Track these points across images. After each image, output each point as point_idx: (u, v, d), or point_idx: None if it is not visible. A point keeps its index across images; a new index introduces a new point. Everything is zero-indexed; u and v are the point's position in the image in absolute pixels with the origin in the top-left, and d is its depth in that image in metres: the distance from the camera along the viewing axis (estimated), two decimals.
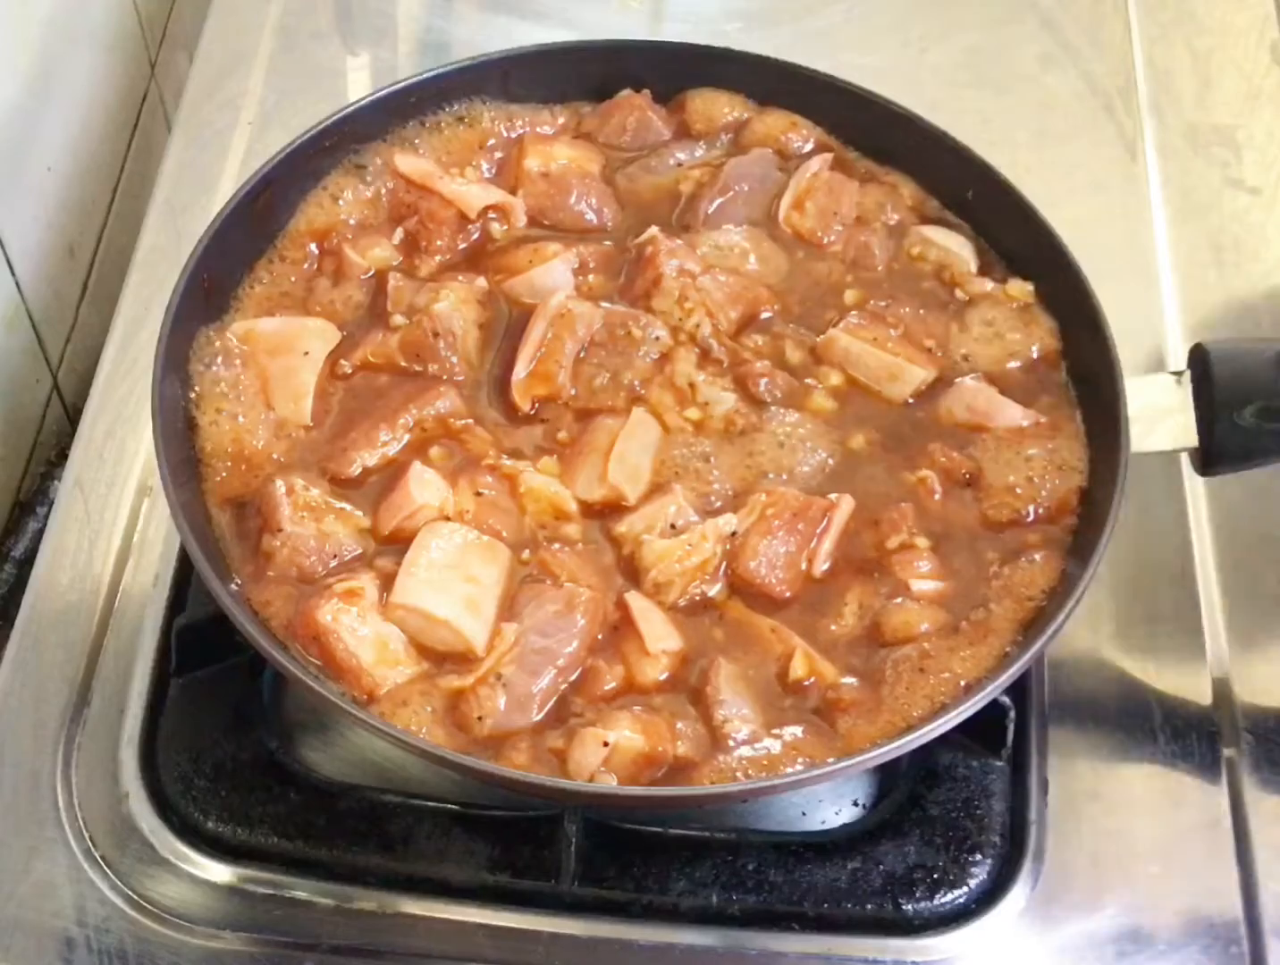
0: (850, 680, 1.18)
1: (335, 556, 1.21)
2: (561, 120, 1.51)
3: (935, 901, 1.23)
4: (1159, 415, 1.28)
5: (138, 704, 1.32)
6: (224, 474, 1.26)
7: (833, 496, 1.26)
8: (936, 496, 1.27)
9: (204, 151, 1.76)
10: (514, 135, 1.48)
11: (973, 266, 1.41)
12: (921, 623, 1.20)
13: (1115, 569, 1.42)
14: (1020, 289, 1.38)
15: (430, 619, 1.16)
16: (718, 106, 1.51)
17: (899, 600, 1.21)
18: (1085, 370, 1.33)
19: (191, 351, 1.30)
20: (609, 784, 1.11)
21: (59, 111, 1.76)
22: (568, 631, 1.18)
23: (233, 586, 1.19)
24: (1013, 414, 1.31)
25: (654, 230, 1.40)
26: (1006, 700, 1.25)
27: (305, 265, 1.39)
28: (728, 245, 1.41)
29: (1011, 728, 1.27)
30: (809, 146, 1.49)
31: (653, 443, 1.28)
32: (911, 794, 1.28)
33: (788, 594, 1.22)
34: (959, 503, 1.28)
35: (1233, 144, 1.81)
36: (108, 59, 1.88)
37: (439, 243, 1.41)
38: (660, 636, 1.18)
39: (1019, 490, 1.27)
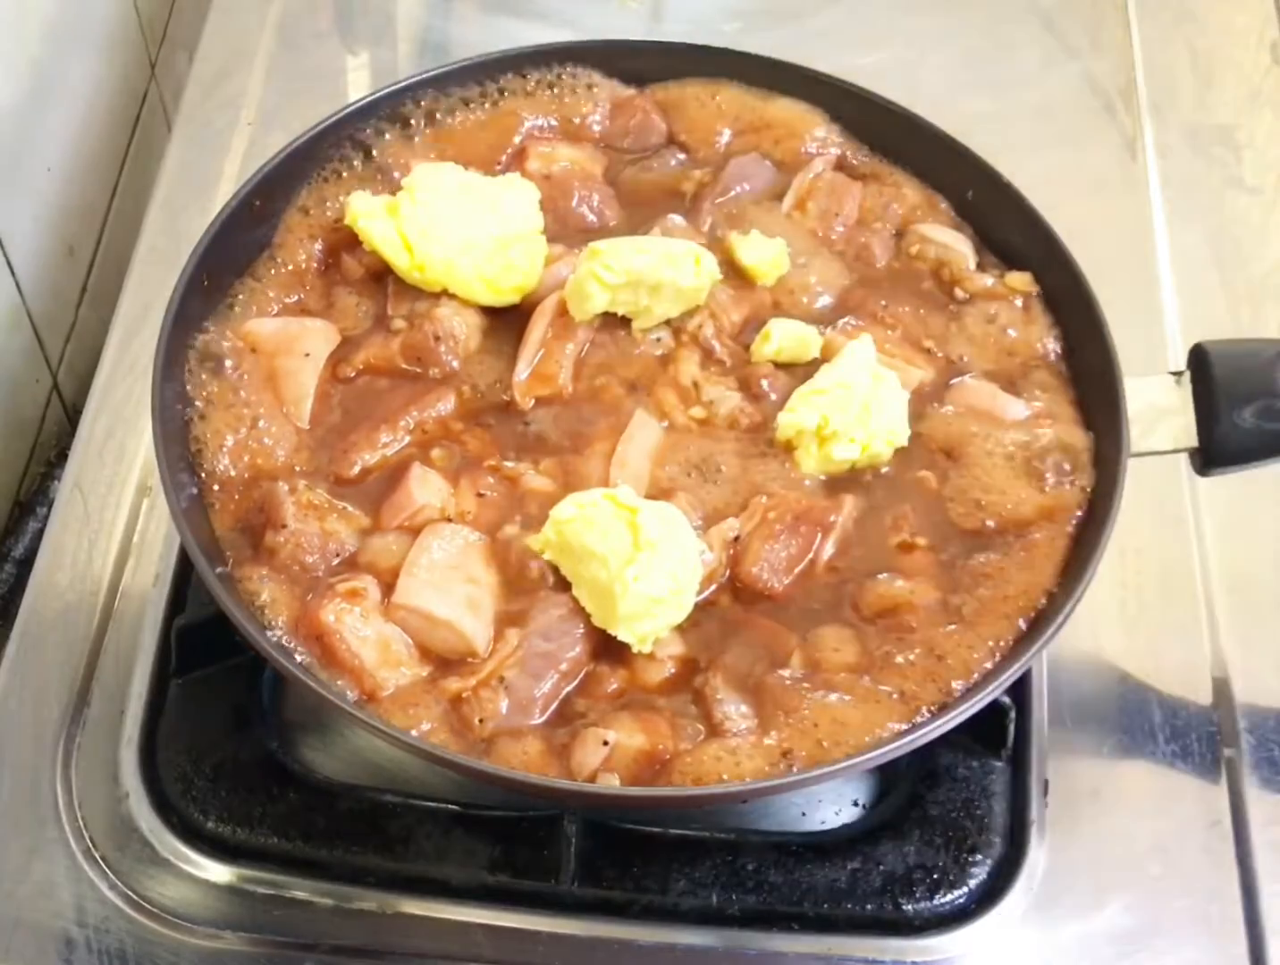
0: (849, 677, 1.18)
1: (337, 555, 1.21)
2: (561, 120, 1.50)
3: (935, 901, 1.23)
4: (1159, 415, 1.28)
5: (138, 704, 1.33)
6: (237, 497, 1.25)
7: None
8: (935, 491, 1.27)
9: (204, 151, 1.76)
10: (515, 135, 1.48)
11: (971, 263, 1.41)
12: (909, 599, 1.20)
13: (1115, 569, 1.42)
14: (1021, 280, 1.39)
15: (431, 619, 1.16)
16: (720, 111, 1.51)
17: (884, 576, 1.22)
18: (1085, 370, 1.33)
19: (191, 352, 1.30)
20: (610, 784, 1.11)
21: (59, 111, 1.76)
22: (571, 635, 1.18)
23: (219, 569, 1.19)
24: (1015, 411, 1.31)
25: (655, 231, 1.40)
26: (1006, 700, 1.25)
27: (306, 267, 1.39)
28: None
29: (1011, 728, 1.27)
30: (832, 152, 1.48)
31: (654, 444, 1.28)
32: (911, 794, 1.28)
33: (789, 595, 1.22)
34: (957, 502, 1.28)
35: (1233, 144, 1.81)
36: (108, 59, 1.88)
37: None
38: (663, 641, 1.18)
39: (1017, 489, 1.27)
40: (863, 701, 1.15)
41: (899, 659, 1.17)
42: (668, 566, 1.15)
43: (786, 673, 1.17)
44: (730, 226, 1.42)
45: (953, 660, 1.17)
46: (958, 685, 1.16)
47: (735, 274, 1.38)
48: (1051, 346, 1.36)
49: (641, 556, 1.14)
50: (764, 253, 1.37)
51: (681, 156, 1.49)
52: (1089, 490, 1.26)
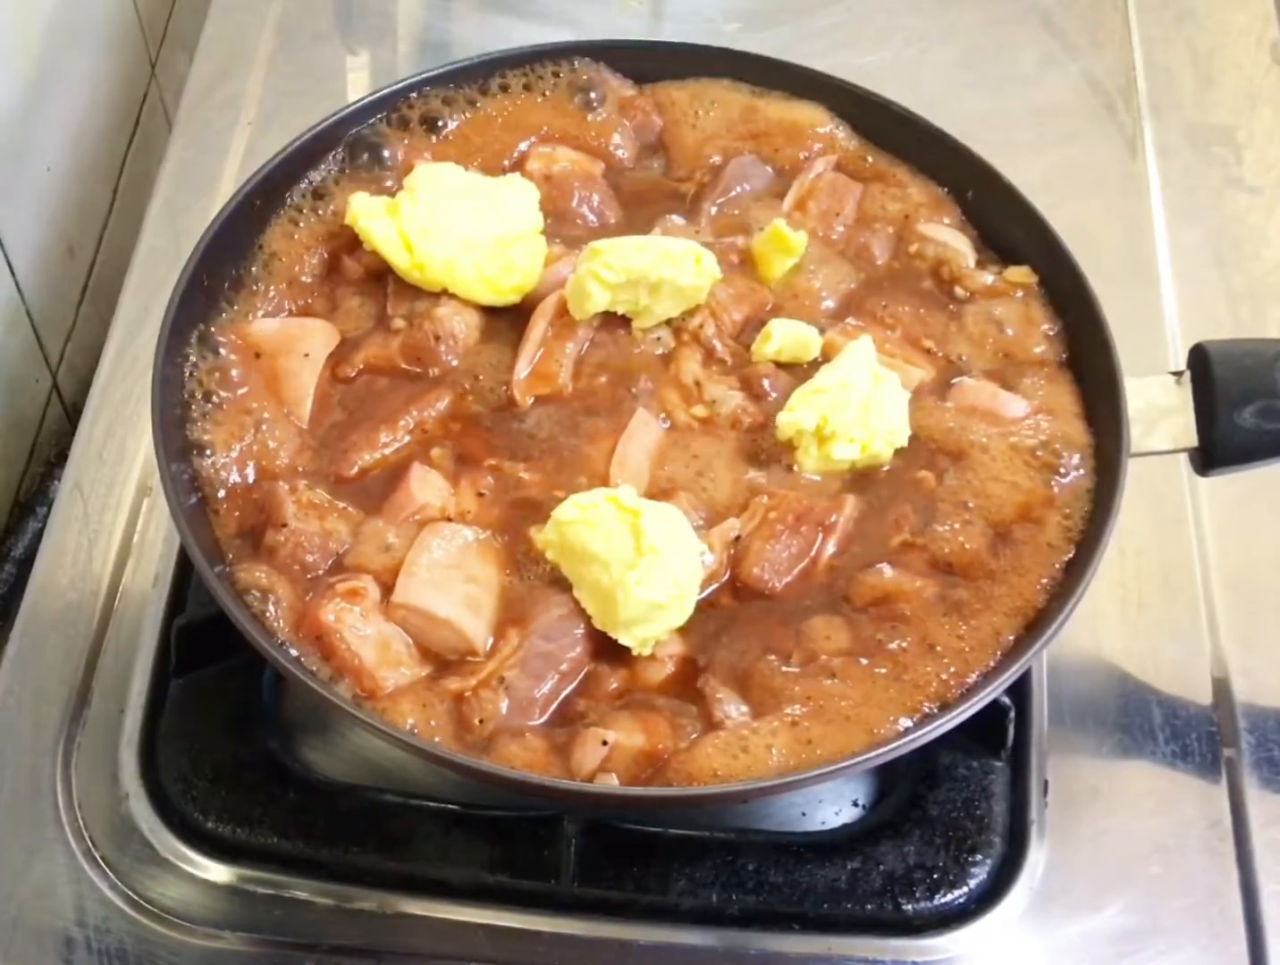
0: (845, 661, 1.17)
1: (337, 554, 1.21)
2: (564, 120, 1.50)
3: (935, 901, 1.23)
4: (1159, 415, 1.28)
5: (138, 704, 1.33)
6: (238, 496, 1.24)
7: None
8: (935, 491, 1.27)
9: (204, 151, 1.76)
10: (519, 136, 1.48)
11: (970, 261, 1.41)
12: (900, 587, 1.20)
13: (1115, 569, 1.42)
14: (1020, 273, 1.39)
15: (431, 618, 1.16)
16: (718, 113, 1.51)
17: (876, 568, 1.22)
18: (1085, 370, 1.33)
19: (191, 353, 1.30)
20: (609, 783, 1.11)
21: (59, 111, 1.76)
22: (571, 636, 1.18)
23: (219, 568, 1.18)
24: (1015, 410, 1.30)
25: (655, 231, 1.40)
26: (1006, 700, 1.25)
27: (306, 267, 1.39)
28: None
29: (1011, 728, 1.27)
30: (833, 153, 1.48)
31: (654, 444, 1.28)
32: (911, 794, 1.28)
33: (790, 595, 1.22)
34: (949, 502, 1.28)
35: (1233, 144, 1.81)
36: (108, 59, 1.88)
37: None
38: (663, 641, 1.18)
39: (1017, 488, 1.27)
40: (859, 686, 1.15)
41: (892, 646, 1.17)
42: (670, 571, 1.15)
43: (784, 669, 1.17)
44: (731, 227, 1.42)
45: (944, 649, 1.17)
46: (952, 674, 1.16)
47: (738, 273, 1.38)
48: (1052, 346, 1.36)
49: (644, 561, 1.14)
50: (774, 247, 1.37)
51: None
52: (1089, 490, 1.26)
